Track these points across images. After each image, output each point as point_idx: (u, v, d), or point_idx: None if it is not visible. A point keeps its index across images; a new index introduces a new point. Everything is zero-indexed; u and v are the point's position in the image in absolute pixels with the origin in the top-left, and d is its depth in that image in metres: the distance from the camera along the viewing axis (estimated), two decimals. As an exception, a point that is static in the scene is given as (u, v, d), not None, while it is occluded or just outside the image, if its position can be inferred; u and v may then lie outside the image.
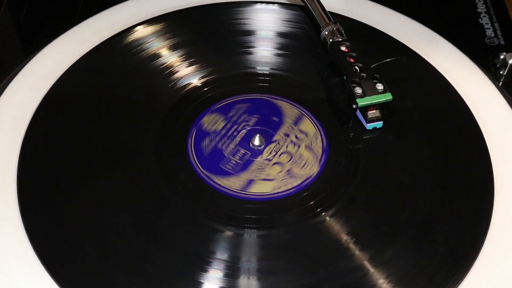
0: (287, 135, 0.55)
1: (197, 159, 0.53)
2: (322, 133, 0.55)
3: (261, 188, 0.52)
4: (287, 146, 0.54)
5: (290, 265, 0.48)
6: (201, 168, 0.53)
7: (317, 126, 0.55)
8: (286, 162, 0.53)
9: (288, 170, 0.53)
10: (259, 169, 0.53)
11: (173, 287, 0.46)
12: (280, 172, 0.53)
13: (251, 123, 0.56)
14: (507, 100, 0.58)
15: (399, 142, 0.55)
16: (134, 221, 0.49)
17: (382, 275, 0.47)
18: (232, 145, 0.54)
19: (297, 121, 0.55)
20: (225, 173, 0.53)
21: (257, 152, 0.54)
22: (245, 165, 0.53)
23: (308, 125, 0.55)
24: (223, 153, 0.54)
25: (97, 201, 0.50)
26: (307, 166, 0.53)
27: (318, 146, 0.54)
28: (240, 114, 0.56)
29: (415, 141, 0.55)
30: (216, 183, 0.52)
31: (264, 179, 0.52)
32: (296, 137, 0.55)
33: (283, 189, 0.52)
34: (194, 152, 0.54)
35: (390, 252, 0.48)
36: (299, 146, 0.54)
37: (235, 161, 0.53)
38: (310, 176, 0.52)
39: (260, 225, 0.50)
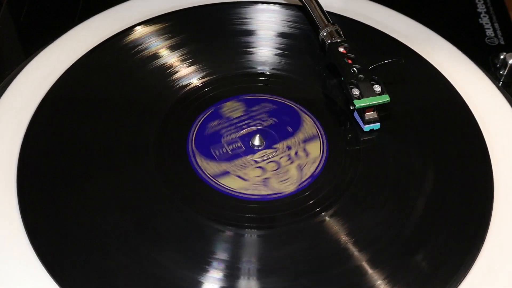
0: (289, 148, 0.54)
1: (195, 134, 0.53)
2: (323, 160, 0.53)
3: (230, 183, 0.52)
4: (281, 157, 0.54)
5: (290, 265, 0.48)
6: (193, 142, 0.53)
7: (322, 152, 0.54)
8: (269, 170, 0.53)
9: (265, 178, 0.52)
10: (241, 165, 0.53)
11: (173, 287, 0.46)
12: (258, 176, 0.52)
13: (265, 123, 0.56)
14: (507, 100, 0.58)
15: (398, 142, 0.55)
16: (134, 220, 0.49)
17: (381, 276, 0.47)
18: (233, 136, 0.54)
19: (307, 140, 0.55)
20: (210, 157, 0.53)
21: (250, 151, 0.54)
22: (232, 157, 0.53)
23: (315, 148, 0.54)
24: (220, 139, 0.54)
25: (97, 200, 0.50)
26: (286, 182, 0.52)
27: (309, 171, 0.53)
28: (261, 112, 0.56)
29: (414, 141, 0.55)
30: (196, 161, 0.52)
31: (239, 176, 0.52)
32: (296, 153, 0.54)
33: (249, 192, 0.51)
34: (198, 127, 0.54)
35: (389, 253, 0.48)
36: (292, 162, 0.53)
37: (226, 150, 0.53)
38: (281, 193, 0.51)
39: (235, 223, 0.50)
